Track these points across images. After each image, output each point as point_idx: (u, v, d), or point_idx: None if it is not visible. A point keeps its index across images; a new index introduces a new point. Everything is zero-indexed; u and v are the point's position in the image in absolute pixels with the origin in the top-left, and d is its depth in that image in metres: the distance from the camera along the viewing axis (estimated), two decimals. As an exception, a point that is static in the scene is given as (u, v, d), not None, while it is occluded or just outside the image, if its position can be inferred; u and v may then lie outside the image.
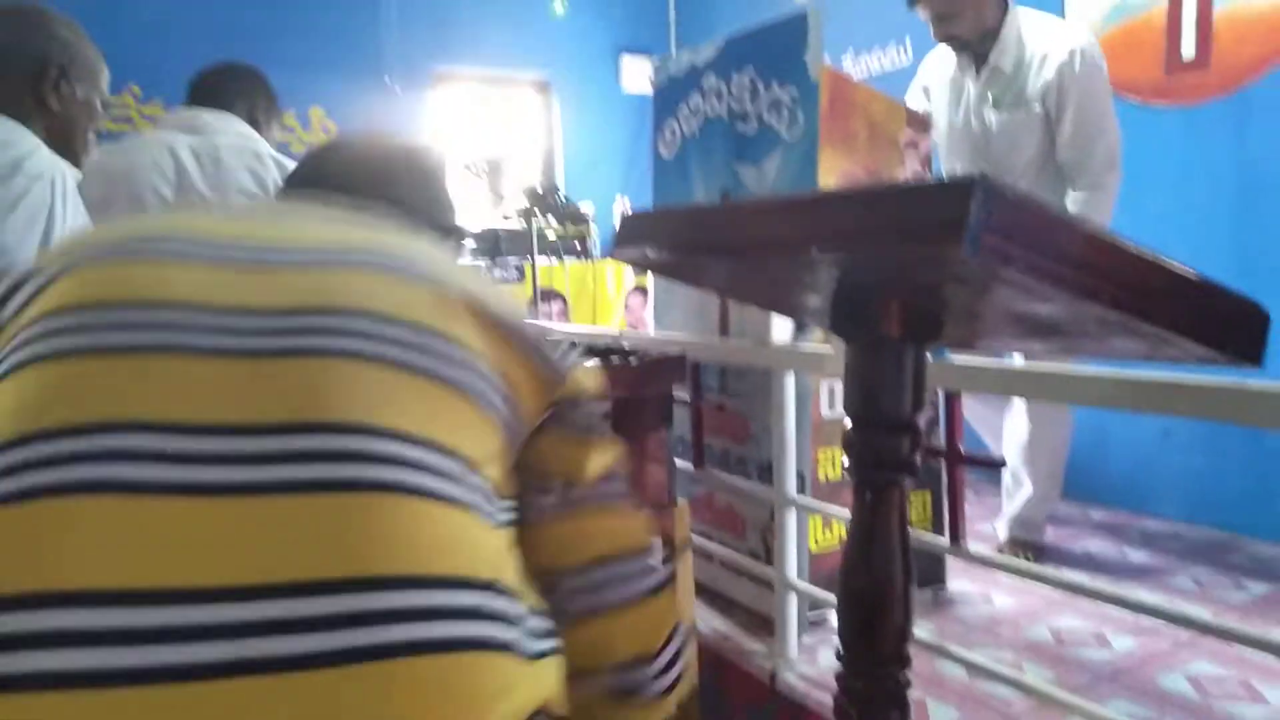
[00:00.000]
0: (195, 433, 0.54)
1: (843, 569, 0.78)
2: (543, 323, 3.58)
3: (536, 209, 4.12)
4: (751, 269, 0.79)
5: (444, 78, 4.73)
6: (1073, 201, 2.25)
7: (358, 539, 0.53)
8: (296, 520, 0.52)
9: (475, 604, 0.56)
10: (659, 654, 0.75)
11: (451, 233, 0.91)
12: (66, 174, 1.27)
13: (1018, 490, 2.34)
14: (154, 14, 3.84)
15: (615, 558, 0.72)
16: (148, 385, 0.56)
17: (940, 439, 1.40)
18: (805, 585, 1.66)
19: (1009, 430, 2.38)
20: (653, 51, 4.96)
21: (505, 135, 4.94)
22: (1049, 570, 1.36)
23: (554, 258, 4.05)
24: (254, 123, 1.86)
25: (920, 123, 2.09)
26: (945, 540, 1.35)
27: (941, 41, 2.30)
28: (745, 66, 1.93)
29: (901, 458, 0.74)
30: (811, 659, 1.68)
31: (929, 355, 0.76)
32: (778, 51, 1.86)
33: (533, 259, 3.91)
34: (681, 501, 1.58)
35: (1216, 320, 0.59)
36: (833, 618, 1.61)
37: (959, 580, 2.07)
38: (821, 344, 1.65)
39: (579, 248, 4.21)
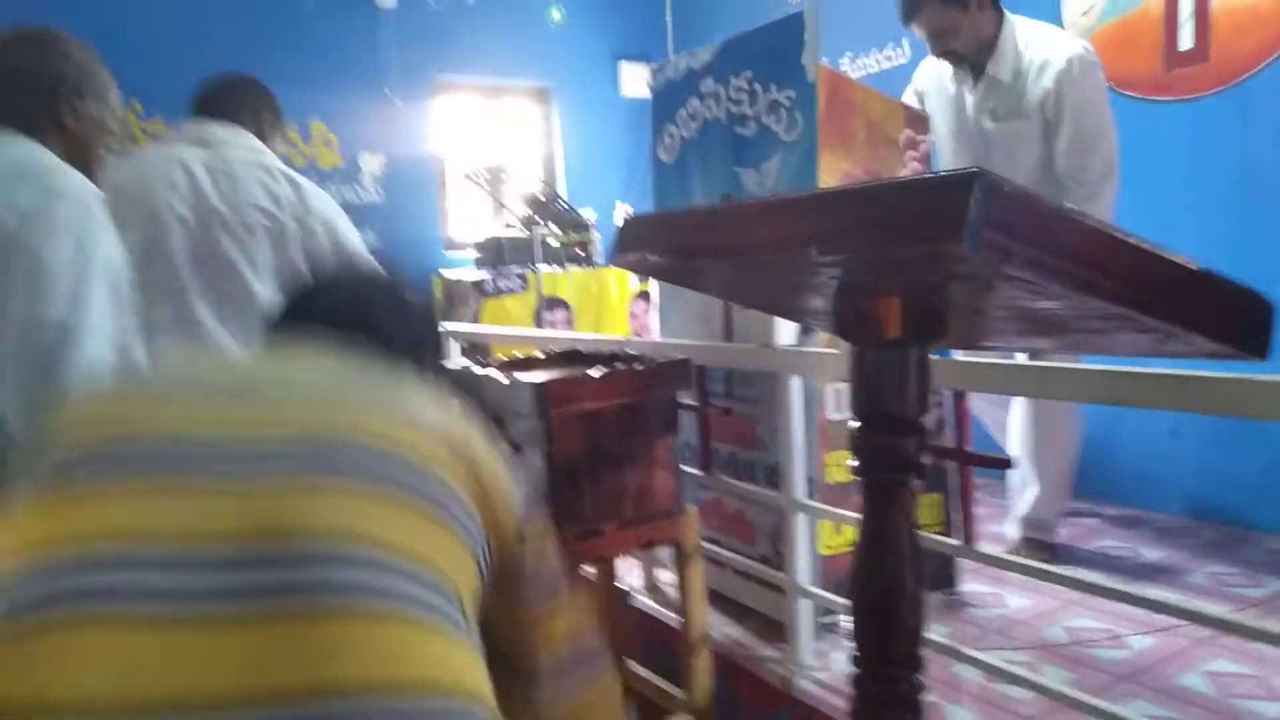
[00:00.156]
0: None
1: (852, 571, 0.77)
2: (549, 331, 3.58)
3: (538, 216, 4.12)
4: (752, 271, 0.79)
5: (443, 87, 4.73)
6: None
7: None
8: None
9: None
10: None
11: (430, 354, 0.97)
12: (93, 192, 1.28)
13: (1025, 489, 2.32)
14: (155, 31, 3.85)
15: None
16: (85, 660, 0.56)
17: (949, 439, 1.39)
18: (817, 590, 1.65)
19: (1013, 427, 2.37)
20: (651, 57, 4.96)
21: (505, 144, 4.95)
22: (1063, 570, 1.35)
23: (556, 265, 4.05)
24: (260, 135, 1.86)
25: (920, 122, 2.08)
26: (956, 542, 1.34)
27: (939, 58, 2.27)
28: (743, 69, 1.93)
29: (908, 458, 0.73)
30: (825, 663, 1.67)
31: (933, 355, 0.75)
32: (775, 53, 1.85)
33: (534, 266, 3.91)
34: (690, 508, 1.57)
35: (1220, 313, 0.58)
36: (845, 621, 1.60)
37: (971, 582, 2.06)
38: (827, 346, 1.65)
39: (581, 254, 4.21)
